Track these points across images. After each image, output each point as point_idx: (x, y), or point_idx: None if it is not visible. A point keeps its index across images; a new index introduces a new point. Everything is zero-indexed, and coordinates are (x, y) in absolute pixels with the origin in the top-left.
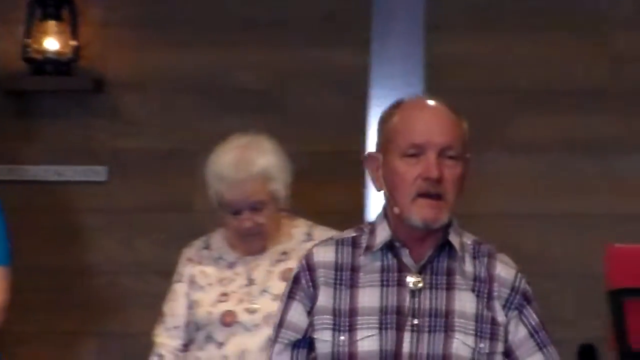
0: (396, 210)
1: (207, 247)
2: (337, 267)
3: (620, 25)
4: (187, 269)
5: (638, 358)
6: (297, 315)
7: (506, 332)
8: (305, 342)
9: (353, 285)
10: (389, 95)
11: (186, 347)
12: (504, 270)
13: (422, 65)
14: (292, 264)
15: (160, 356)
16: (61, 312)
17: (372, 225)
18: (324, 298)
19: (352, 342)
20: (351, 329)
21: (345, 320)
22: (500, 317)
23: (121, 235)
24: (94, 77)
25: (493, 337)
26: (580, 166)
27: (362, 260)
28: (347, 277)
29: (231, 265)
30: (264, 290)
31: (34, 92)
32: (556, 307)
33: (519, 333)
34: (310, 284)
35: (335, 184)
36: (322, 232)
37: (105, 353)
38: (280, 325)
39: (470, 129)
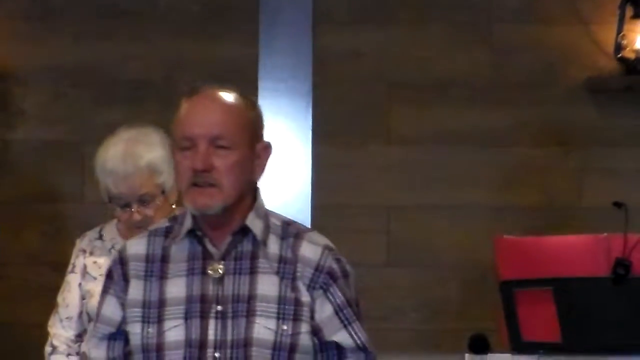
0: (170, 200)
1: (100, 237)
2: (148, 259)
3: (502, 17)
4: (80, 260)
5: (529, 348)
6: (110, 309)
7: (312, 312)
8: (121, 335)
9: (162, 277)
10: (278, 87)
11: (80, 337)
12: (309, 249)
13: (310, 57)
14: None
15: (54, 347)
16: None
17: (182, 215)
18: (135, 291)
19: (159, 333)
20: (159, 320)
21: (155, 311)
22: (305, 297)
23: (11, 226)
24: None
25: (296, 318)
26: (464, 157)
27: (173, 250)
28: (157, 268)
29: None
30: None
31: None
32: (443, 298)
33: (324, 311)
34: (122, 277)
35: None
36: None
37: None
38: (96, 319)
39: (355, 121)
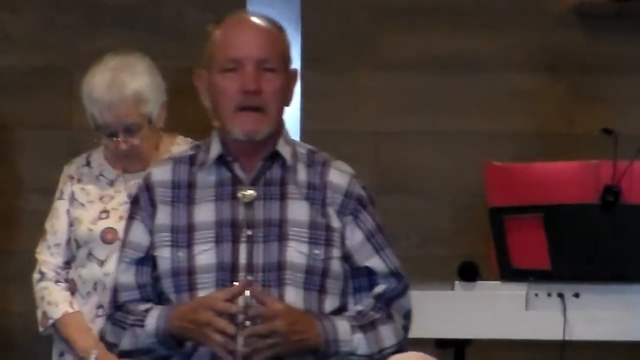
0: (216, 123)
1: (87, 164)
2: (174, 185)
3: None
4: (68, 187)
5: (519, 275)
6: (138, 234)
7: (343, 238)
8: (148, 260)
9: (190, 202)
10: (267, 12)
11: (68, 264)
12: (338, 176)
13: None
14: None
15: (43, 274)
16: None
17: (208, 142)
18: (163, 216)
19: (190, 256)
20: (189, 244)
21: (184, 236)
22: (335, 223)
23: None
24: None
25: (328, 243)
26: (453, 83)
27: (199, 176)
28: (184, 194)
29: (112, 183)
30: None
31: None
32: (433, 225)
33: (355, 238)
34: (149, 203)
35: None
36: None
37: None
38: (123, 245)
39: (344, 46)
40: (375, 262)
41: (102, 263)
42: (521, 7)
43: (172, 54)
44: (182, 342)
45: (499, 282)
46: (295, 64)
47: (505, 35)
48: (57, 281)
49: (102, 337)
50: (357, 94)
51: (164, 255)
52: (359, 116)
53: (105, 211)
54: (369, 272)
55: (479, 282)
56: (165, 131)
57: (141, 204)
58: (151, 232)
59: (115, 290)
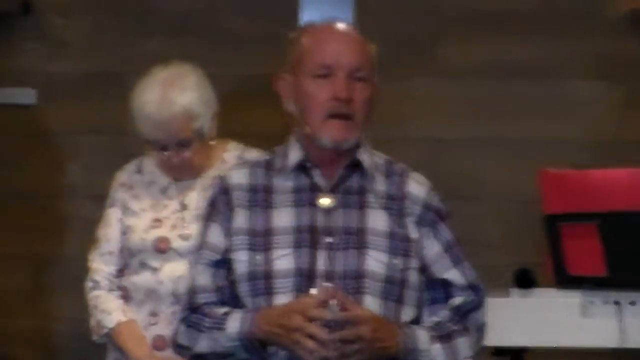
0: (307, 129)
1: (139, 171)
2: (252, 189)
3: None
4: (120, 194)
5: (575, 282)
6: (215, 236)
7: (420, 248)
8: (225, 263)
9: (268, 206)
10: (319, 19)
11: (121, 272)
12: (416, 187)
13: None
14: None
15: (96, 282)
16: None
17: (285, 148)
18: (240, 219)
19: (268, 260)
20: (267, 248)
21: (261, 240)
22: (413, 233)
23: (52, 159)
24: None
25: (406, 254)
26: (509, 91)
27: (276, 181)
28: (261, 198)
29: (164, 191)
30: (197, 216)
31: None
32: (485, 232)
33: (433, 249)
34: (227, 206)
35: (262, 107)
36: (255, 155)
37: (40, 277)
38: (200, 247)
39: (400, 53)
40: (453, 275)
41: (155, 271)
42: (577, 15)
43: (224, 60)
44: (266, 346)
45: (554, 289)
46: None
47: (562, 43)
48: (110, 289)
49: (174, 340)
50: (414, 101)
51: (241, 259)
52: (416, 123)
53: (158, 220)
54: (446, 284)
55: (535, 290)
56: (217, 137)
57: (218, 207)
58: (228, 234)
59: (193, 292)
